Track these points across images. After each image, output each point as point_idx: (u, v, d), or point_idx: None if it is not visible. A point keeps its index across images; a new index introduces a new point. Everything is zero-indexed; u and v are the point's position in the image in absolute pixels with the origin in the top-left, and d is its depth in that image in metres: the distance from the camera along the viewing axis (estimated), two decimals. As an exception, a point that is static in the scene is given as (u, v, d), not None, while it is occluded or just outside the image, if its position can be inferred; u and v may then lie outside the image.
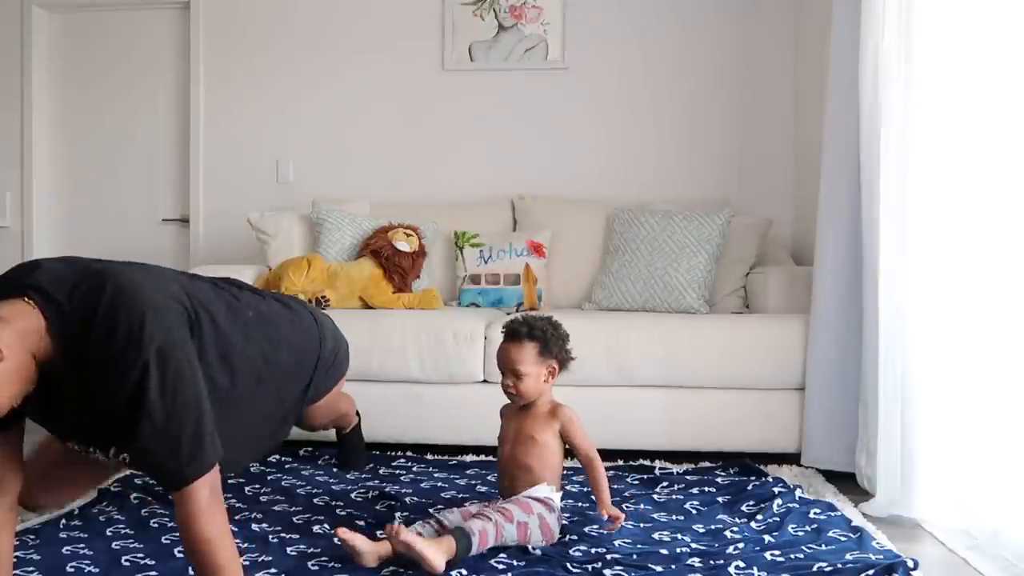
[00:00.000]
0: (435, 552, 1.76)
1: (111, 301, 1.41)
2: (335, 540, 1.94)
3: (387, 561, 1.84)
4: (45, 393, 1.43)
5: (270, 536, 2.04)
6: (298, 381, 1.99)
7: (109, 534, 2.06)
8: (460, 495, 2.42)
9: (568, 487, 2.47)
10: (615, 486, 2.51)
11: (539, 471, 2.02)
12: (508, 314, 3.24)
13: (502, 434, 2.12)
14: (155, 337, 1.41)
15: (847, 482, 2.56)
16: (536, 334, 2.02)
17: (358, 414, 2.73)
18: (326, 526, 2.13)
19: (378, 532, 1.97)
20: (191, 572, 1.79)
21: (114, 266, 1.50)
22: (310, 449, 2.88)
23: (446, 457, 2.85)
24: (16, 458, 1.50)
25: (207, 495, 1.45)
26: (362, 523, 2.10)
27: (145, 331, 1.40)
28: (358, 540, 1.82)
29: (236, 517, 2.17)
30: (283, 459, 2.80)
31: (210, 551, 1.45)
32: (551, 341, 2.03)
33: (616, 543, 1.98)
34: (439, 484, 2.53)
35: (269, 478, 2.57)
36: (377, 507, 2.29)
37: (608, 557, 1.87)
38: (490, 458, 2.71)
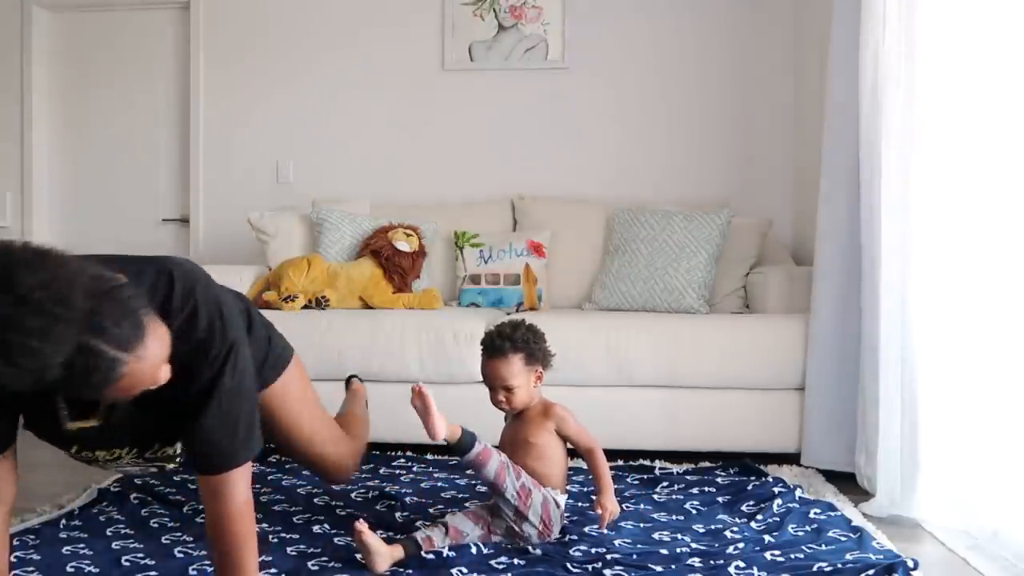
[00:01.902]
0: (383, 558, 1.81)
1: (184, 288, 1.41)
2: (337, 539, 1.95)
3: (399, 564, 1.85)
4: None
5: (270, 536, 2.04)
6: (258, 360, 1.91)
7: (109, 534, 2.06)
8: (460, 495, 2.42)
9: (568, 487, 2.47)
10: (615, 486, 2.50)
11: (542, 474, 1.99)
12: (508, 314, 3.25)
13: (500, 441, 2.07)
14: (233, 325, 1.46)
15: (847, 482, 2.56)
16: (519, 345, 1.98)
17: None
18: (326, 526, 2.13)
19: (390, 533, 2.01)
20: (191, 572, 1.80)
21: (160, 256, 1.49)
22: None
23: (446, 457, 2.84)
24: (14, 468, 1.50)
25: (244, 490, 1.48)
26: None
27: (225, 319, 1.44)
28: (374, 541, 1.81)
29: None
30: (283, 459, 2.80)
31: (239, 549, 1.46)
32: (534, 348, 2.00)
33: (616, 543, 1.98)
34: (439, 484, 2.53)
35: (269, 478, 2.57)
36: (377, 507, 2.29)
37: (608, 557, 1.87)
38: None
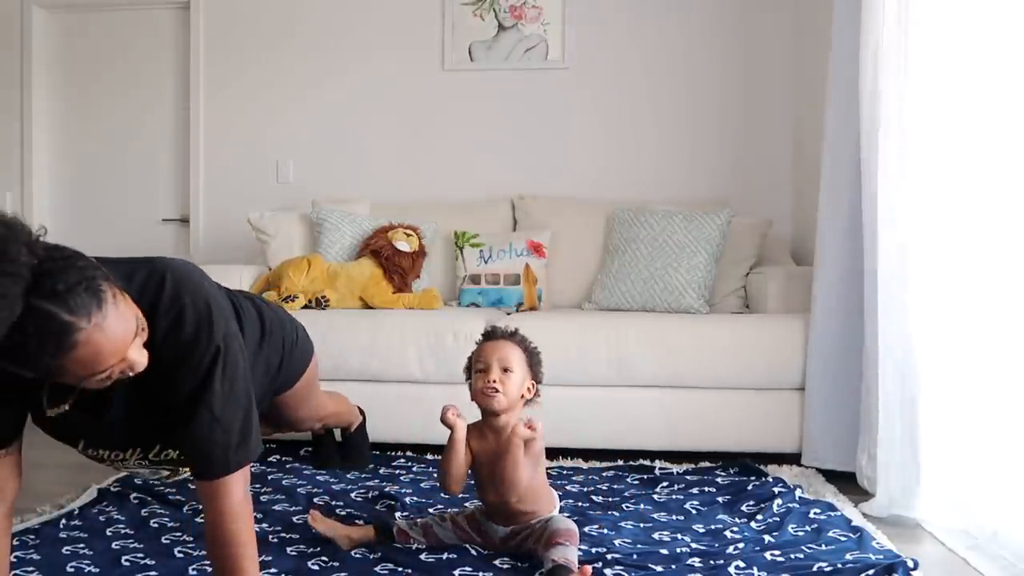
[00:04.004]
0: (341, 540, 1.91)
1: (174, 288, 1.40)
2: (312, 530, 1.98)
3: (364, 546, 1.93)
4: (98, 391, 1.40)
5: (270, 536, 2.04)
6: (274, 364, 1.97)
7: (109, 534, 2.06)
8: (460, 495, 2.41)
9: (568, 487, 2.47)
10: (615, 486, 2.51)
11: (536, 509, 1.90)
12: (508, 314, 3.25)
13: (478, 479, 1.92)
14: (221, 325, 1.43)
15: (847, 482, 2.56)
16: (528, 346, 1.93)
17: (363, 412, 2.73)
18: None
19: (357, 521, 2.09)
20: (191, 572, 1.80)
21: (156, 258, 1.49)
22: (310, 449, 2.87)
23: (446, 457, 2.84)
24: (19, 465, 1.50)
25: (241, 493, 1.46)
26: (361, 522, 2.10)
27: (213, 319, 1.42)
28: (325, 527, 1.94)
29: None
30: (283, 459, 2.80)
31: (237, 552, 1.44)
32: (535, 358, 1.94)
33: (616, 543, 1.98)
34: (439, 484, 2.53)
35: (269, 478, 2.57)
36: (377, 507, 2.29)
37: (608, 557, 1.87)
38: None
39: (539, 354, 1.95)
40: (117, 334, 1.21)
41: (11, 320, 1.09)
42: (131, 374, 1.29)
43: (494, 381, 1.84)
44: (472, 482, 1.97)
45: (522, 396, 1.89)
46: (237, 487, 1.45)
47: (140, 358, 1.28)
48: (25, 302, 1.11)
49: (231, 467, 1.44)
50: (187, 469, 1.65)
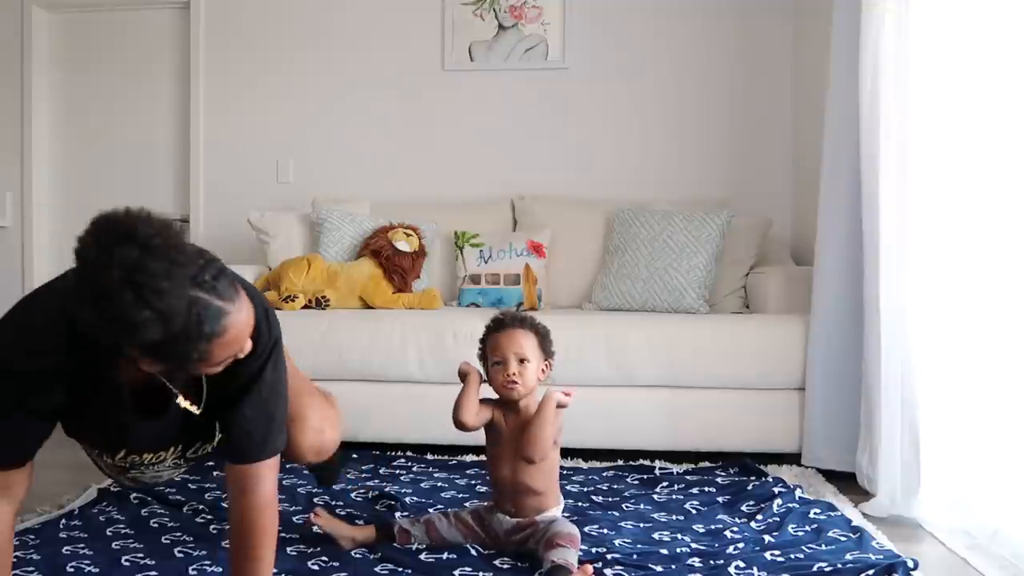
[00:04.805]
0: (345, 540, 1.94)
1: (235, 282, 1.42)
2: (314, 528, 1.98)
3: (366, 546, 1.94)
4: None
5: (270, 536, 2.04)
6: None
7: (109, 534, 2.06)
8: (460, 495, 2.42)
9: (568, 487, 2.47)
10: (615, 486, 2.51)
11: (546, 493, 1.93)
12: (508, 314, 3.25)
13: (495, 452, 1.96)
14: (275, 322, 1.51)
15: (847, 482, 2.56)
16: (539, 328, 1.96)
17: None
18: (326, 526, 2.13)
19: (357, 521, 2.09)
20: (191, 572, 1.80)
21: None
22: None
23: (446, 457, 2.85)
24: (31, 466, 1.51)
25: (272, 485, 1.52)
26: (361, 522, 2.10)
27: (270, 314, 1.49)
28: (330, 524, 1.95)
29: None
30: (283, 459, 2.80)
31: (260, 545, 1.49)
32: (546, 338, 1.97)
33: (616, 543, 1.98)
34: (439, 484, 2.53)
35: (269, 478, 2.57)
36: (377, 507, 2.29)
37: (608, 557, 1.87)
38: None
39: (548, 333, 1.98)
40: (247, 320, 1.30)
41: (183, 307, 1.16)
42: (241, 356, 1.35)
43: (513, 375, 1.89)
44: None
45: (538, 379, 1.94)
46: (269, 478, 1.51)
47: (250, 345, 1.35)
48: (189, 291, 1.18)
49: (269, 451, 1.51)
50: (185, 468, 1.68)
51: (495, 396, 1.96)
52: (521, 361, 1.89)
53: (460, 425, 1.91)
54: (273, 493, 1.52)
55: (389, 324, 2.95)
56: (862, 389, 2.52)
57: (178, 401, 1.47)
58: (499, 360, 1.91)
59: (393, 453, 2.91)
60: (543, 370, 1.95)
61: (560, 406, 1.91)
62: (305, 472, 2.65)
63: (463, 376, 1.95)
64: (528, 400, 1.93)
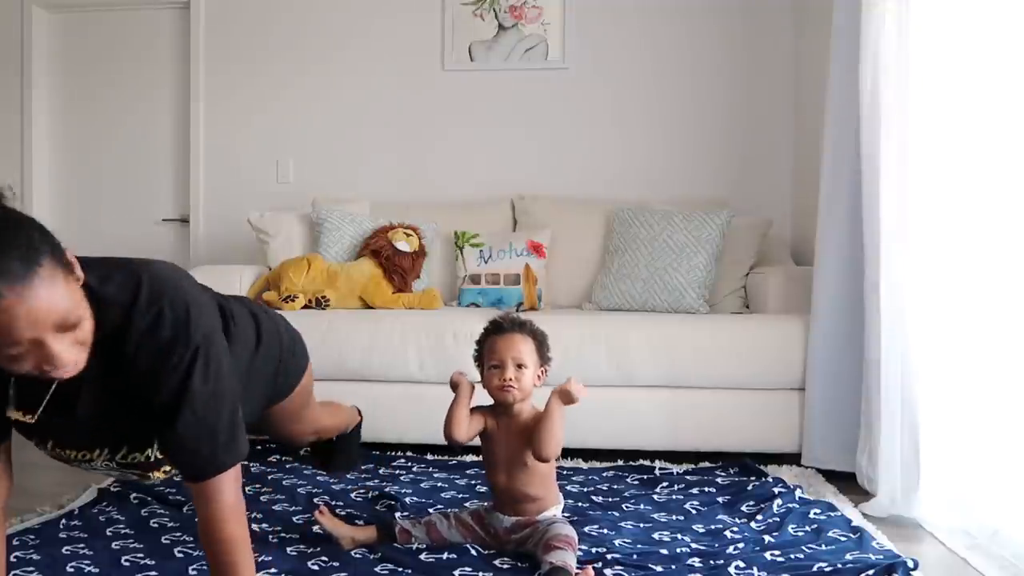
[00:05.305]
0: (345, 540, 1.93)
1: (151, 290, 1.38)
2: (314, 528, 1.98)
3: (366, 546, 1.94)
4: (67, 386, 1.38)
5: (270, 536, 2.04)
6: (268, 373, 1.92)
7: (109, 534, 2.05)
8: (460, 495, 2.42)
9: (568, 487, 2.47)
10: (615, 486, 2.51)
11: (544, 496, 1.92)
12: (508, 314, 3.25)
13: (491, 459, 1.94)
14: (200, 325, 1.40)
15: (847, 482, 2.56)
16: (537, 333, 1.95)
17: (360, 413, 2.70)
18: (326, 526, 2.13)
19: (357, 521, 2.09)
20: (191, 572, 1.80)
21: (137, 260, 1.46)
22: (309, 449, 2.87)
23: (446, 457, 2.85)
24: (9, 465, 1.50)
25: (233, 493, 1.43)
26: (361, 522, 2.10)
27: (191, 318, 1.39)
28: (331, 524, 1.94)
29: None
30: (283, 459, 2.80)
31: (232, 551, 1.43)
32: (543, 343, 1.96)
33: (616, 543, 1.98)
34: (439, 484, 2.53)
35: (269, 478, 2.57)
36: (377, 507, 2.29)
37: (608, 557, 1.87)
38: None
39: (546, 338, 1.97)
40: (39, 313, 1.16)
41: None
42: (56, 373, 1.24)
43: (510, 379, 1.87)
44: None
45: (534, 384, 1.93)
46: (228, 487, 1.42)
47: (67, 355, 1.22)
48: None
49: (221, 465, 1.42)
50: (158, 474, 1.61)
51: (487, 403, 1.94)
52: (519, 366, 1.88)
53: (451, 440, 1.90)
54: (236, 501, 1.43)
55: (389, 324, 2.95)
56: (862, 389, 2.52)
57: (8, 413, 1.39)
58: (496, 364, 1.89)
59: (393, 453, 2.91)
60: (539, 376, 1.94)
61: (571, 402, 1.87)
62: (305, 472, 2.65)
63: (454, 386, 1.93)
64: (522, 405, 1.91)
